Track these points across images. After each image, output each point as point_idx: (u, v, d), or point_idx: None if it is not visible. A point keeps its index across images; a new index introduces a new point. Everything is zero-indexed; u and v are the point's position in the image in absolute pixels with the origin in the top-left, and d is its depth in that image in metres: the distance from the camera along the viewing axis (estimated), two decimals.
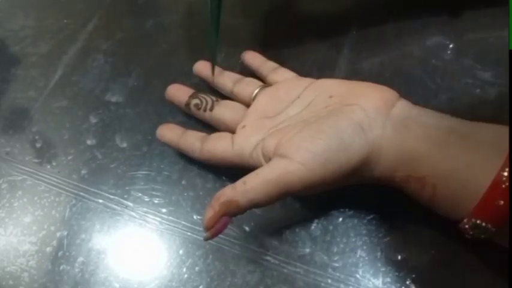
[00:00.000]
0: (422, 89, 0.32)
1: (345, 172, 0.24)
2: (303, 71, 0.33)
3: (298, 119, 0.27)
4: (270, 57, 0.34)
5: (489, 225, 0.21)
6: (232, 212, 0.24)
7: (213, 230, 0.24)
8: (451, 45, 0.33)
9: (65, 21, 0.41)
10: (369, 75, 0.33)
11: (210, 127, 0.32)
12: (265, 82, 0.32)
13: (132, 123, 0.34)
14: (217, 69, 0.33)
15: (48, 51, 0.39)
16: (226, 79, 0.33)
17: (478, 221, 0.21)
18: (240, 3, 0.40)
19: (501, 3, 0.33)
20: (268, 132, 0.27)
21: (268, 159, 0.26)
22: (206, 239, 0.24)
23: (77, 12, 0.42)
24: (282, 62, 0.33)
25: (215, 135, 0.30)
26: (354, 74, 0.34)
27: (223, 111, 0.31)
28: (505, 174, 0.20)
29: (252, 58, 0.34)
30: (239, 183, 0.24)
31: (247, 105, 0.31)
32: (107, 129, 0.34)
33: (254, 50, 0.34)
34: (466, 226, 0.22)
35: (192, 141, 0.30)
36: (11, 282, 0.29)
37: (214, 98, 0.32)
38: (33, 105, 0.37)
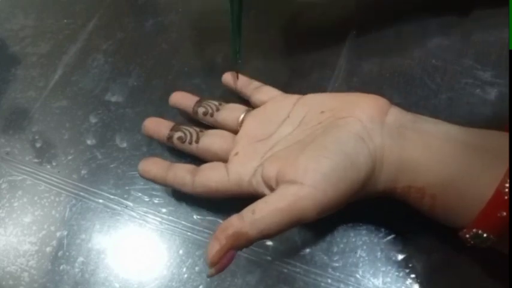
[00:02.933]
0: (422, 89, 0.32)
1: (355, 188, 0.23)
2: (302, 72, 0.33)
3: (292, 139, 0.26)
4: (269, 58, 0.34)
5: (491, 236, 0.21)
6: (241, 245, 0.22)
7: (219, 265, 0.21)
8: (450, 46, 0.33)
9: (65, 21, 0.41)
10: (369, 75, 0.33)
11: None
12: (249, 102, 0.31)
13: (132, 123, 0.34)
14: (195, 98, 0.32)
15: (48, 51, 0.40)
16: (207, 107, 0.31)
17: (479, 231, 0.21)
18: None
19: (506, 2, 0.33)
20: (264, 157, 0.26)
21: (270, 186, 0.25)
22: (210, 276, 0.22)
23: (77, 12, 0.42)
24: (282, 63, 0.33)
25: (207, 166, 0.28)
26: (354, 74, 0.34)
27: (211, 140, 0.29)
28: (507, 185, 0.20)
29: (234, 79, 0.32)
30: (247, 212, 0.22)
31: (234, 132, 0.30)
32: (107, 129, 0.34)
33: (254, 50, 0.34)
34: (467, 235, 0.22)
35: (182, 174, 0.28)
36: (11, 282, 0.29)
37: (198, 129, 0.30)
38: (33, 105, 0.37)
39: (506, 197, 0.20)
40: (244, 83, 0.32)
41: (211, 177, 0.27)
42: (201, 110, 0.31)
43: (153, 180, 0.29)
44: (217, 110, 0.31)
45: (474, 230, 0.21)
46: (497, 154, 0.21)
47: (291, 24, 0.38)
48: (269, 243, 0.28)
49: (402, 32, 0.35)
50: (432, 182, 0.23)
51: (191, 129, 0.30)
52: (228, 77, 0.33)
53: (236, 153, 0.28)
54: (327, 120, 0.26)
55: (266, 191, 0.25)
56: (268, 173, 0.25)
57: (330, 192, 0.23)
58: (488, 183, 0.20)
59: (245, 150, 0.28)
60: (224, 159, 0.28)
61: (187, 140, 0.30)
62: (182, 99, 0.32)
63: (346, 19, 0.37)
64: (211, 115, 0.31)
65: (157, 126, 0.31)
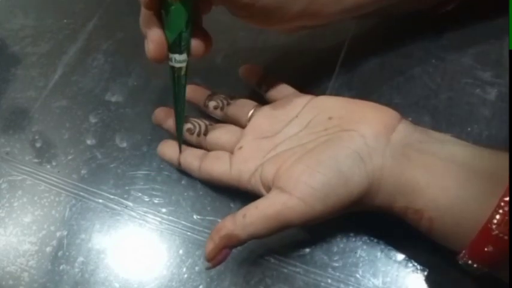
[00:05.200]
0: (422, 89, 0.32)
1: (345, 205, 0.24)
2: (303, 72, 0.33)
3: (296, 141, 0.27)
4: (269, 57, 0.34)
5: (480, 266, 0.21)
6: (233, 245, 0.24)
7: (215, 261, 0.24)
8: (451, 45, 0.33)
9: (65, 21, 0.41)
10: (369, 75, 0.33)
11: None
12: (263, 98, 0.31)
13: (132, 123, 0.34)
14: (206, 92, 0.32)
15: (48, 51, 0.39)
16: (218, 101, 0.31)
17: (469, 262, 0.21)
18: None
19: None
20: (266, 156, 0.27)
21: (266, 187, 0.25)
22: (208, 269, 0.25)
23: (77, 12, 0.42)
24: (282, 62, 0.33)
25: (213, 155, 0.29)
26: (354, 74, 0.34)
27: (219, 134, 0.30)
28: (495, 221, 0.20)
29: (250, 72, 0.32)
30: (239, 216, 0.24)
31: (243, 126, 0.30)
32: (107, 129, 0.34)
33: (253, 49, 0.34)
34: (460, 262, 0.22)
35: (190, 160, 0.29)
36: (11, 282, 0.29)
37: (207, 122, 0.31)
38: (33, 105, 0.37)
39: (493, 233, 0.20)
40: (260, 78, 0.32)
41: (214, 168, 0.28)
42: (212, 104, 0.31)
43: (168, 162, 0.31)
44: (228, 104, 0.31)
45: (465, 259, 0.21)
46: (497, 177, 0.21)
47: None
48: (269, 242, 0.28)
49: (402, 31, 0.35)
50: (430, 206, 0.23)
51: (200, 122, 0.31)
52: (244, 70, 0.32)
53: (240, 147, 0.28)
54: (333, 128, 0.26)
55: (263, 191, 0.26)
56: (266, 175, 0.25)
57: (318, 207, 0.23)
58: (484, 212, 0.20)
59: (249, 145, 0.28)
60: (231, 152, 0.29)
61: (196, 132, 0.30)
62: (194, 91, 0.33)
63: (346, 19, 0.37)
64: (222, 109, 0.31)
65: (168, 116, 0.31)
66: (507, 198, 0.20)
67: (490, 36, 0.33)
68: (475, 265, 0.21)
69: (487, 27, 0.34)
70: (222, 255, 0.24)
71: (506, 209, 0.20)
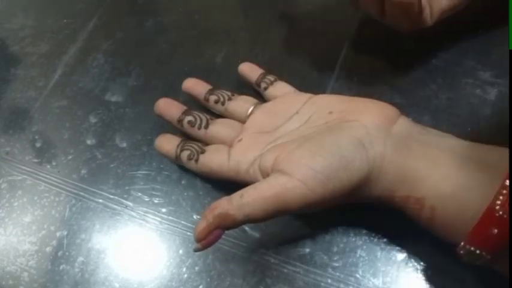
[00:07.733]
0: (423, 89, 0.32)
1: (345, 191, 0.23)
2: (303, 72, 0.33)
3: (297, 134, 0.27)
4: (269, 57, 0.34)
5: (483, 253, 0.21)
6: (227, 226, 0.23)
7: (205, 241, 0.23)
8: (451, 46, 0.33)
9: (65, 21, 0.41)
10: (369, 75, 0.33)
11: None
12: (262, 96, 0.32)
13: (132, 123, 0.34)
14: (208, 87, 0.32)
15: (48, 51, 0.39)
16: (219, 96, 0.32)
17: (472, 248, 0.21)
18: (240, 3, 0.40)
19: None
20: (266, 148, 0.27)
21: (266, 175, 0.25)
22: (196, 251, 0.23)
23: (77, 12, 0.42)
24: (282, 62, 0.33)
25: (212, 148, 0.29)
26: (354, 74, 0.34)
27: (219, 128, 0.30)
28: (499, 202, 0.19)
29: (250, 70, 0.33)
30: (236, 196, 0.23)
31: (243, 122, 0.30)
32: (107, 129, 0.34)
33: (254, 49, 0.34)
34: (461, 252, 0.22)
35: (189, 153, 0.29)
36: (11, 282, 0.29)
37: (208, 116, 0.31)
38: (32, 105, 0.37)
39: (497, 214, 0.19)
40: (259, 76, 0.32)
41: (213, 160, 0.28)
42: (212, 98, 0.32)
43: (165, 156, 0.31)
44: (229, 99, 0.31)
45: (467, 247, 0.21)
46: (499, 170, 0.21)
47: (292, 23, 0.38)
48: (269, 242, 0.28)
49: (402, 31, 0.35)
50: (432, 193, 0.22)
51: (202, 115, 0.31)
52: (244, 68, 0.33)
53: (240, 140, 0.28)
54: (333, 121, 0.26)
55: (261, 179, 0.26)
56: (265, 162, 0.25)
57: (318, 190, 0.23)
58: (486, 198, 0.20)
59: (249, 138, 0.28)
60: (231, 147, 0.29)
61: (197, 125, 0.30)
62: (196, 85, 0.33)
63: (347, 19, 0.37)
64: (223, 103, 0.31)
65: (170, 107, 0.31)
66: None
67: (490, 37, 0.33)
68: (477, 251, 0.21)
69: (487, 27, 0.34)
70: (213, 235, 0.23)
71: None
